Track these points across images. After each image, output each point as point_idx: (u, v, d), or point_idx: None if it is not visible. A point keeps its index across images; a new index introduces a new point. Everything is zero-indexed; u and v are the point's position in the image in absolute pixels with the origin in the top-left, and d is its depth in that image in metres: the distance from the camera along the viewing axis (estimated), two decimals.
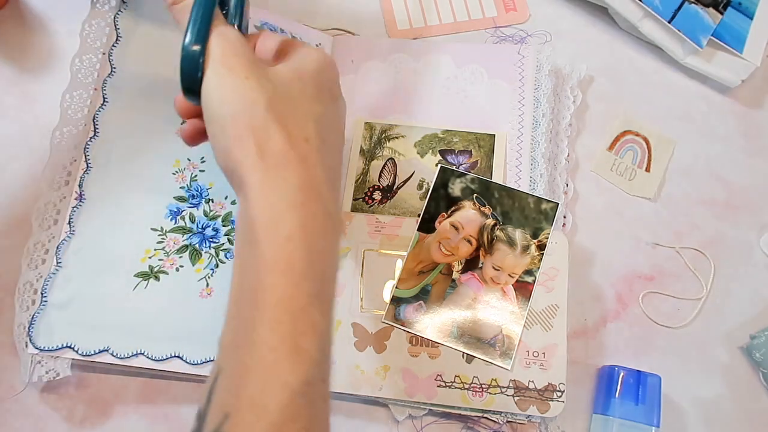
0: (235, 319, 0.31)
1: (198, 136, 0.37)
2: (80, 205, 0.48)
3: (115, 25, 0.52)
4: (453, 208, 0.51)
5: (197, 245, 0.48)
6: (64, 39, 0.54)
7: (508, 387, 0.46)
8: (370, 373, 0.47)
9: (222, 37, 0.33)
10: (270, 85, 0.33)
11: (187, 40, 0.32)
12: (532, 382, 0.46)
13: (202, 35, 0.33)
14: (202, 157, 0.50)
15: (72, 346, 0.45)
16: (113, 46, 0.51)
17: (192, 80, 0.33)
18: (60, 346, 0.44)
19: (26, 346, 0.44)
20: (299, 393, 0.28)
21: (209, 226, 0.49)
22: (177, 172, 0.50)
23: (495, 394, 0.46)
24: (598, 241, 0.53)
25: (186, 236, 0.48)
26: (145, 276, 0.47)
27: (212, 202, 0.50)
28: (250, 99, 0.32)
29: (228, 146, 0.32)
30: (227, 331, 0.31)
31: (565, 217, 0.53)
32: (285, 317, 0.29)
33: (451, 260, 0.50)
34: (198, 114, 0.35)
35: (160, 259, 0.48)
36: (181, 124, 0.38)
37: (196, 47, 0.32)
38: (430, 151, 0.53)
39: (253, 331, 0.29)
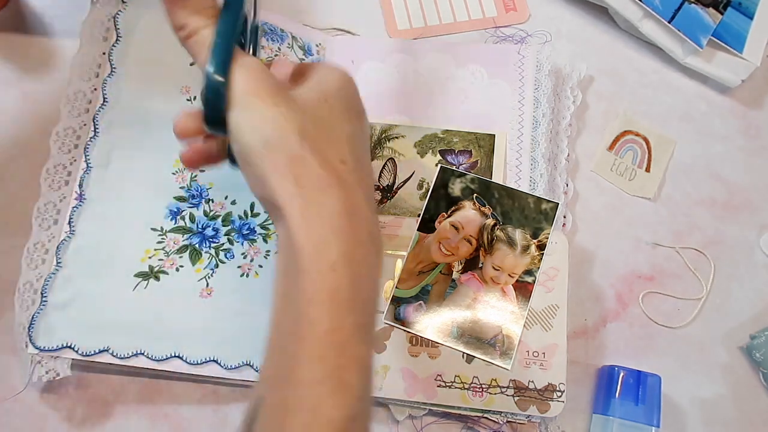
0: (277, 351, 0.30)
1: (199, 161, 0.37)
2: (80, 205, 0.48)
3: (115, 25, 0.52)
4: (453, 208, 0.51)
5: (197, 245, 0.48)
6: (64, 39, 0.54)
7: (508, 387, 0.46)
8: None
9: (245, 67, 0.32)
10: (299, 110, 0.32)
11: (211, 71, 0.31)
12: (532, 382, 0.46)
13: (226, 66, 0.31)
14: None
15: (72, 346, 0.44)
16: (113, 46, 0.51)
17: (217, 112, 0.31)
18: (60, 346, 0.44)
19: (26, 346, 0.44)
20: (343, 429, 0.27)
21: (209, 226, 0.49)
22: (177, 172, 0.50)
23: (495, 394, 0.46)
24: (598, 241, 0.53)
25: (186, 236, 0.48)
26: (145, 276, 0.47)
27: (212, 202, 0.50)
28: (281, 126, 0.31)
29: (263, 176, 0.31)
30: (268, 364, 0.30)
31: (565, 217, 0.53)
32: (329, 352, 0.28)
33: (451, 260, 0.50)
34: (197, 134, 0.35)
35: (160, 259, 0.48)
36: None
37: (221, 78, 0.31)
38: (430, 151, 0.53)
39: (296, 365, 0.28)
